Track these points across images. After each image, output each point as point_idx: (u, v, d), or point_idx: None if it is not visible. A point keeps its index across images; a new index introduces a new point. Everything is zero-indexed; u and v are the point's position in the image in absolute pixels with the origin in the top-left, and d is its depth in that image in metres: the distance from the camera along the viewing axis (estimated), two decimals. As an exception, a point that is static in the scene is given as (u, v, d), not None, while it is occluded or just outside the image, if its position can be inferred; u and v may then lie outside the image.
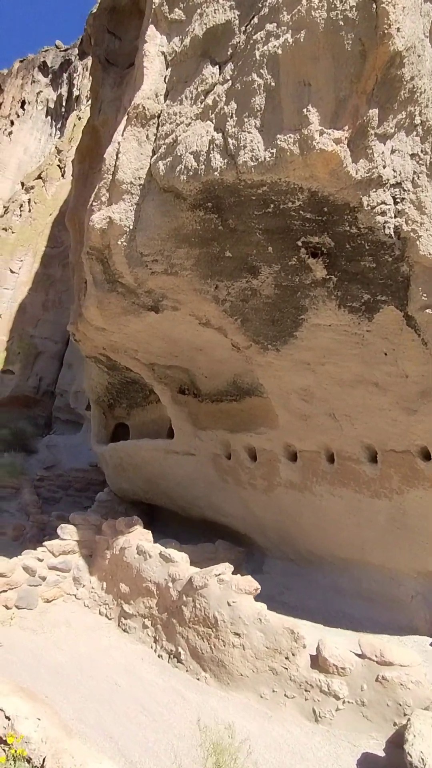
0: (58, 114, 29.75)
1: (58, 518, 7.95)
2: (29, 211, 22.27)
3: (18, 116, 31.22)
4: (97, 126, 6.67)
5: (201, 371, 6.25)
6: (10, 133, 30.27)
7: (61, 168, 22.82)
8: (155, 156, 4.06)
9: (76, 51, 29.54)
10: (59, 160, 23.00)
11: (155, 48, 4.20)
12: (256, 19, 3.52)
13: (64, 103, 29.16)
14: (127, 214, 4.23)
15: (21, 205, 22.69)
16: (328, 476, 5.37)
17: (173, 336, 5.43)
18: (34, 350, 18.97)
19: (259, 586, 3.65)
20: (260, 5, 3.53)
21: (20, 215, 22.41)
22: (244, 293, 4.65)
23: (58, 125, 29.34)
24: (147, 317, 5.00)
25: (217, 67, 3.80)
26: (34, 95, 31.41)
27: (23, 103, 31.35)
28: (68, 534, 5.10)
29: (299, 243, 4.00)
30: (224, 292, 4.65)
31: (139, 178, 4.15)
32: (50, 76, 31.41)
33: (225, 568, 3.81)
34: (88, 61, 27.31)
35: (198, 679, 3.56)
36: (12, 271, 20.85)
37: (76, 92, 28.00)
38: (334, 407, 5.05)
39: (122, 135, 4.19)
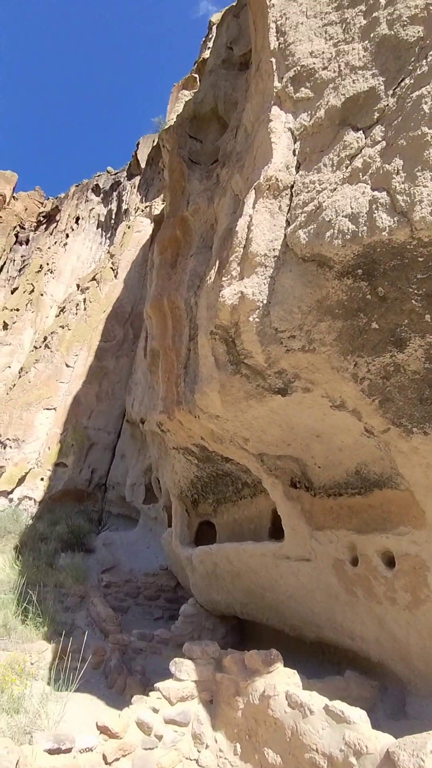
0: (108, 225, 32.92)
1: (141, 638, 6.84)
2: (84, 309, 23.57)
3: (72, 230, 34.73)
4: (187, 216, 6.74)
5: (314, 461, 5.47)
6: (65, 244, 33.54)
7: (113, 270, 24.41)
8: (291, 226, 3.74)
9: (125, 174, 33.45)
10: (112, 263, 24.67)
11: (281, 125, 4.09)
12: (409, 80, 3.30)
13: (113, 216, 32.29)
14: (260, 288, 3.83)
15: (77, 305, 24.12)
16: None
17: (293, 422, 4.77)
18: (87, 441, 18.79)
19: None
20: (411, 67, 3.34)
21: (76, 313, 23.71)
22: (386, 369, 4.03)
23: (108, 235, 32.34)
24: (271, 401, 4.40)
25: (361, 132, 3.57)
26: (87, 212, 35.13)
27: (77, 219, 35.05)
28: (186, 673, 3.96)
29: (465, 307, 3.45)
30: (364, 369, 4.05)
31: (274, 249, 3.80)
32: (101, 195, 35.26)
33: (439, 741, 2.71)
34: (136, 180, 30.78)
35: None
36: (68, 365, 21.55)
37: (124, 206, 31.10)
38: None
39: (253, 208, 3.93)
